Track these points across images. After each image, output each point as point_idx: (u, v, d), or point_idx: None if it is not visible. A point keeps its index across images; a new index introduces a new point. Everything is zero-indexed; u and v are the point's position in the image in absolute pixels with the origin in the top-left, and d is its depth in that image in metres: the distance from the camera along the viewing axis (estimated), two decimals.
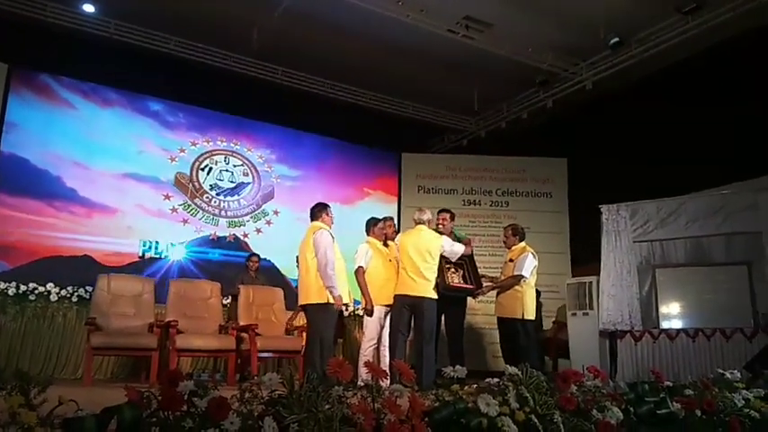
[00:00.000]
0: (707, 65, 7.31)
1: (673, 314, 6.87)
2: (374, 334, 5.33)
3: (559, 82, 8.48)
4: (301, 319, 6.21)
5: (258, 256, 7.50)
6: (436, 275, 5.24)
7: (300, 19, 7.36)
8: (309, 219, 5.31)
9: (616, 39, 7.41)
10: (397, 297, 5.21)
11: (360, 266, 5.42)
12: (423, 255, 5.16)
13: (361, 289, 5.41)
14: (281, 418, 1.57)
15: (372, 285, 5.36)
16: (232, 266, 7.89)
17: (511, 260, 5.84)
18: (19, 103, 7.17)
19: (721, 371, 3.06)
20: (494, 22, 7.35)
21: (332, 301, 4.89)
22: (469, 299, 6.10)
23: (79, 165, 7.42)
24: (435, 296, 5.16)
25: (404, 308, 5.15)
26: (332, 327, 5.00)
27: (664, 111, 7.86)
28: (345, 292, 5.13)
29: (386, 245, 5.65)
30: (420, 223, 5.36)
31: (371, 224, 5.69)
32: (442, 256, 5.36)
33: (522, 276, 5.64)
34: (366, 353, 5.32)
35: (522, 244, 5.93)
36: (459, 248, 5.44)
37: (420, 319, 5.10)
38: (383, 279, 5.38)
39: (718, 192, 6.80)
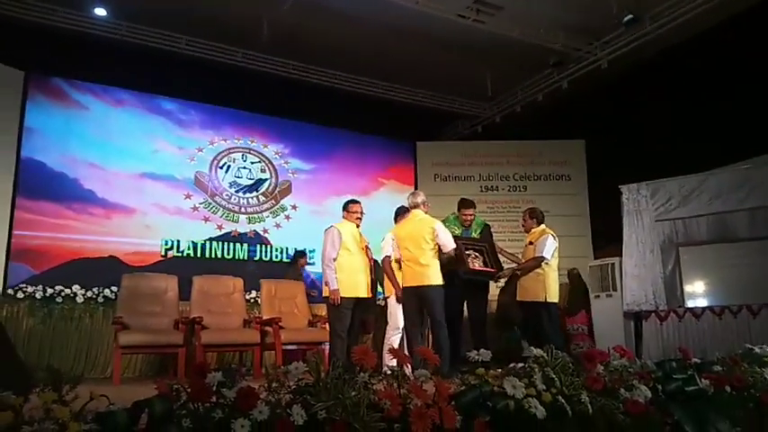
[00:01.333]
0: (724, 38, 7.17)
1: (698, 292, 6.80)
2: (399, 323, 5.32)
3: (574, 62, 8.37)
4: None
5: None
6: (437, 259, 5.01)
7: (309, 11, 7.35)
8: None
9: (630, 16, 7.28)
10: (404, 290, 5.14)
11: (387, 255, 5.40)
12: (417, 242, 5.00)
13: (388, 277, 5.40)
14: (309, 405, 1.58)
15: (397, 274, 5.33)
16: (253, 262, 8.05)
17: (531, 243, 5.78)
18: (35, 108, 7.27)
19: (750, 346, 3.02)
20: (504, 4, 7.27)
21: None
22: (492, 285, 6.07)
23: (95, 166, 7.51)
24: (439, 282, 4.96)
25: (411, 299, 5.08)
26: (339, 319, 5.07)
27: (681, 87, 7.74)
28: (355, 284, 5.14)
29: None
30: (415, 207, 5.19)
31: (400, 213, 5.67)
32: (457, 241, 5.30)
33: (544, 258, 5.59)
34: (390, 341, 5.32)
35: (542, 226, 5.86)
36: (450, 241, 5.07)
37: (427, 306, 4.98)
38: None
39: (741, 166, 6.70)
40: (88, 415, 1.45)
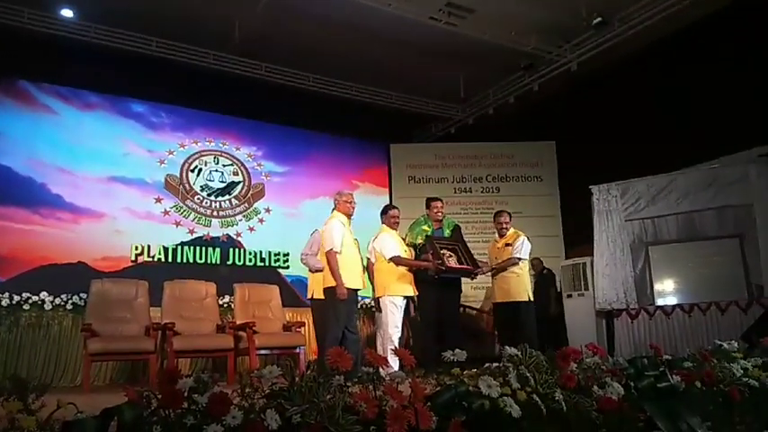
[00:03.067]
0: (691, 40, 7.32)
1: (667, 290, 6.92)
2: (398, 322, 5.22)
3: (544, 65, 8.47)
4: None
5: None
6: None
7: (281, 13, 7.32)
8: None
9: (599, 18, 7.40)
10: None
11: (396, 255, 5.35)
12: (321, 243, 5.13)
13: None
14: (283, 410, 1.56)
15: (392, 276, 5.27)
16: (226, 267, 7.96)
17: (507, 244, 5.85)
18: (0, 112, 7.10)
19: (719, 342, 3.07)
20: (475, 7, 7.33)
21: (317, 296, 5.29)
22: (464, 288, 6.11)
23: (64, 170, 7.36)
24: (328, 284, 4.93)
25: None
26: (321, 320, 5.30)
27: (650, 88, 7.88)
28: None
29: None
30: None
31: (385, 212, 5.63)
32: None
33: (522, 259, 5.69)
34: (394, 339, 5.18)
35: (512, 228, 5.98)
36: (327, 241, 4.96)
37: None
38: (402, 269, 5.32)
39: (708, 166, 6.84)
40: (55, 424, 1.41)
